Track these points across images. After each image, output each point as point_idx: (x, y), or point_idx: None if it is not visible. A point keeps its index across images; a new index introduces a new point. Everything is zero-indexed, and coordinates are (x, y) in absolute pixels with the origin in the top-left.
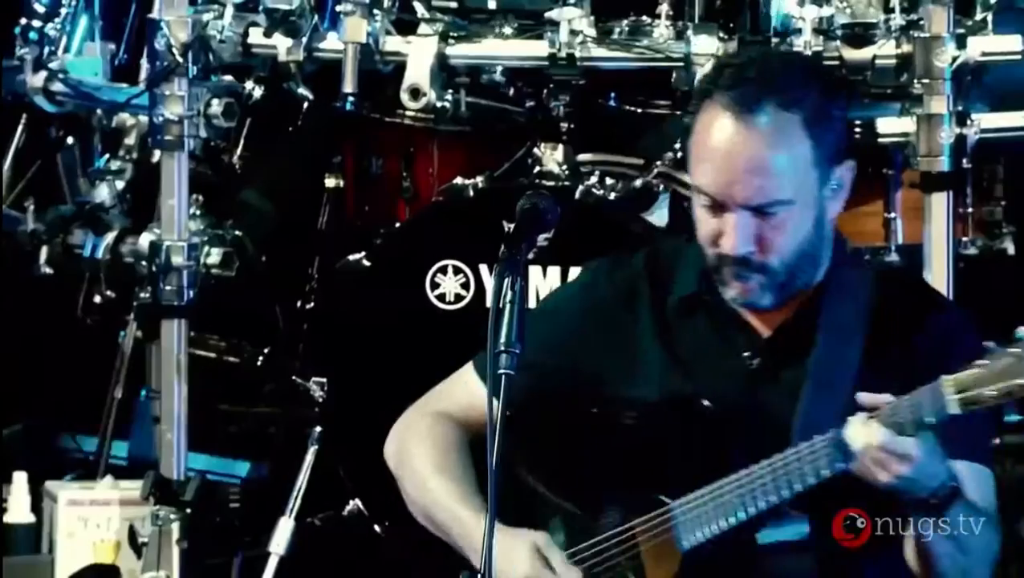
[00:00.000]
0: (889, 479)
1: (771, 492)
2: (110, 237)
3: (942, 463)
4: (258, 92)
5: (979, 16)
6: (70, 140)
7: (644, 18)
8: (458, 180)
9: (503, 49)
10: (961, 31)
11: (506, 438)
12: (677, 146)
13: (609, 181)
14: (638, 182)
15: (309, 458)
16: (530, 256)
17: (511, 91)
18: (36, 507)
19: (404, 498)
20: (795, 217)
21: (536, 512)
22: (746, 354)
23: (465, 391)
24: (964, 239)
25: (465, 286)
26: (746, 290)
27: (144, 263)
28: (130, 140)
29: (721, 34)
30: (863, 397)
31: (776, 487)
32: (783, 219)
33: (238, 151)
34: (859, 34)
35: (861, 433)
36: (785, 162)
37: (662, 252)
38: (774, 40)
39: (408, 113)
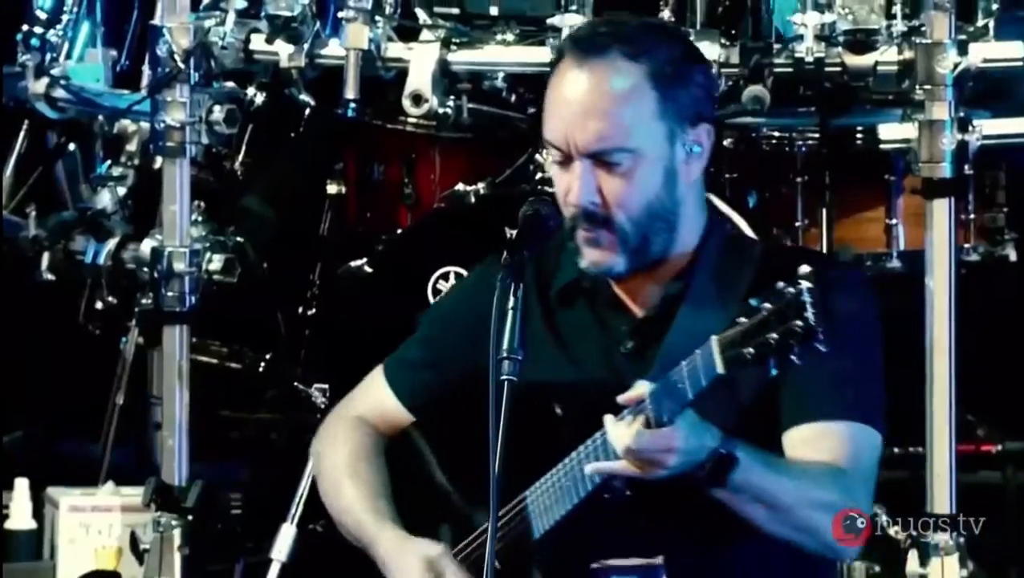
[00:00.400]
0: (661, 473)
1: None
2: (112, 243)
3: (706, 434)
4: (260, 98)
5: (981, 22)
6: (72, 146)
7: None
8: (460, 186)
9: (505, 55)
10: (963, 37)
11: (421, 439)
12: None
13: None
14: None
15: (311, 464)
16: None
17: (513, 97)
18: (37, 513)
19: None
20: (641, 170)
21: (444, 512)
22: (617, 340)
23: (375, 395)
24: (966, 245)
25: None
26: (598, 255)
27: (146, 269)
28: (132, 146)
29: (723, 40)
30: (621, 399)
31: (600, 459)
32: (627, 170)
33: (240, 157)
34: (861, 40)
35: (618, 435)
36: (626, 110)
37: (550, 246)
38: (776, 46)
39: (410, 119)
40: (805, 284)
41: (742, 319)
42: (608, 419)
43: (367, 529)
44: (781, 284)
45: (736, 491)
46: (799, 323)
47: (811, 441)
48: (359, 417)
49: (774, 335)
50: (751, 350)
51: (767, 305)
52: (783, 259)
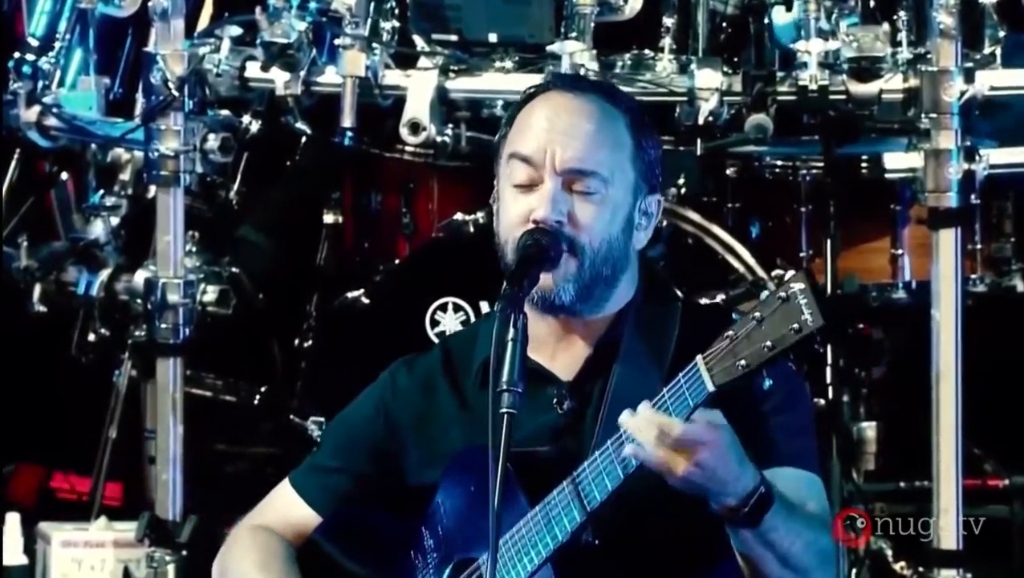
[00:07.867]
0: (685, 468)
1: (564, 517)
2: (104, 274)
3: (744, 464)
4: (255, 126)
5: (987, 49)
6: (64, 175)
7: (647, 52)
8: (458, 216)
9: (504, 83)
10: (969, 65)
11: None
12: (680, 181)
13: None
14: None
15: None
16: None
17: None
18: (29, 548)
19: None
20: (607, 205)
21: None
22: (554, 402)
23: (282, 505)
24: (973, 276)
25: (466, 323)
26: (547, 279)
27: (139, 301)
28: (125, 175)
29: (725, 68)
30: (623, 419)
31: (569, 508)
32: (597, 200)
33: (235, 186)
34: (865, 68)
35: (635, 420)
36: (608, 140)
37: (454, 339)
38: (779, 74)
39: (408, 148)
40: (797, 285)
41: (729, 332)
42: (640, 407)
43: None
44: (767, 291)
45: (764, 531)
46: (795, 326)
47: (787, 484)
48: (262, 525)
49: (768, 342)
50: (743, 362)
51: (756, 314)
52: (703, 316)
